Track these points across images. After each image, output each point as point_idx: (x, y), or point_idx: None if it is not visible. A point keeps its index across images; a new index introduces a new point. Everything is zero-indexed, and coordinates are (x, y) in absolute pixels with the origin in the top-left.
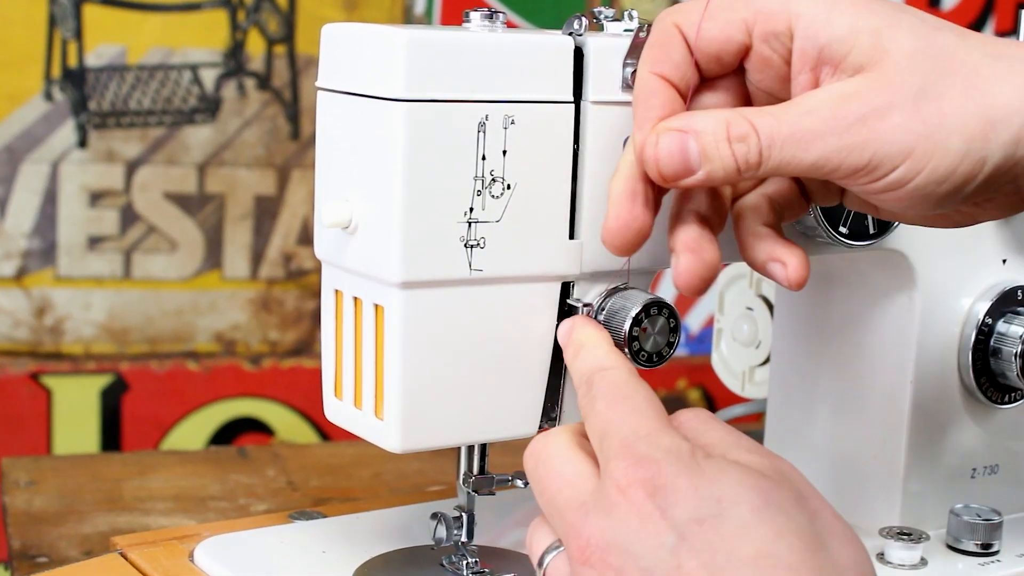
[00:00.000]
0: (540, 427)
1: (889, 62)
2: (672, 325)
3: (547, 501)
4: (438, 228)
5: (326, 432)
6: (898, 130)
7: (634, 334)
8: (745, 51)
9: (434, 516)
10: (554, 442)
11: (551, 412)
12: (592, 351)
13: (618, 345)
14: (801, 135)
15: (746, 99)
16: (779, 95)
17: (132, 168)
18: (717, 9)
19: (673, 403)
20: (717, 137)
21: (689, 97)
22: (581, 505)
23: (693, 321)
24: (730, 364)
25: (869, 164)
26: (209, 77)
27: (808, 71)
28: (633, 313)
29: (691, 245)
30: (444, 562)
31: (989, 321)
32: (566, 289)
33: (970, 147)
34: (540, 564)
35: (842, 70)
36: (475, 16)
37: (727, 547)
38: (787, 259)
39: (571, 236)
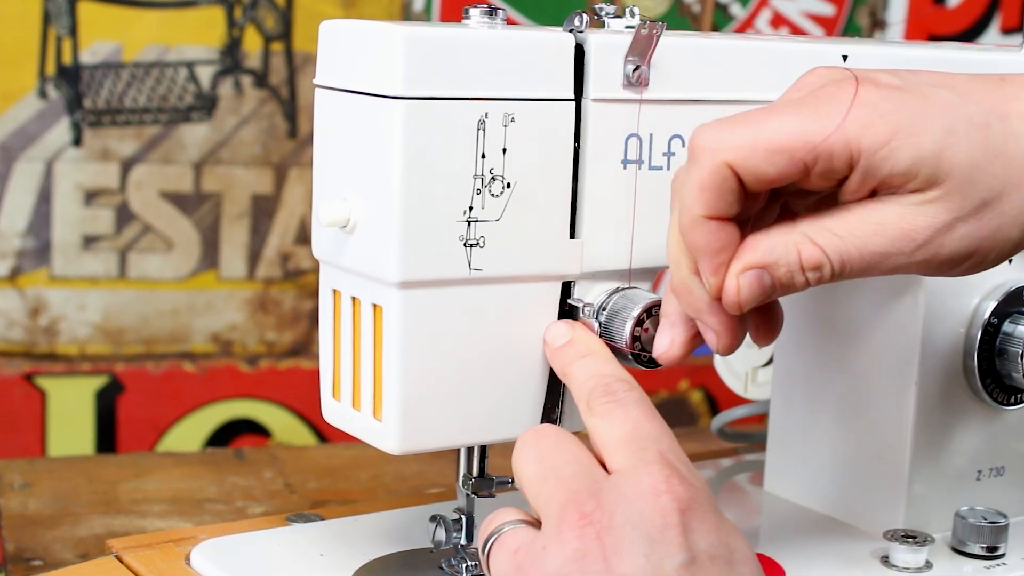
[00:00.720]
0: None
1: (952, 183)
2: None
3: (549, 468)
4: (437, 227)
5: (324, 434)
6: (964, 239)
7: (636, 335)
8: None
9: (433, 519)
10: (565, 432)
11: (551, 413)
12: (609, 362)
13: (620, 351)
14: (871, 258)
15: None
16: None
17: (127, 167)
18: (769, 152)
19: (675, 404)
20: (791, 268)
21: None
22: (594, 482)
23: None
24: (732, 365)
25: (936, 270)
26: (205, 75)
27: (865, 192)
28: (635, 313)
29: (726, 324)
30: (443, 565)
31: (995, 321)
32: (567, 289)
33: None
34: (493, 535)
35: (904, 191)
36: (475, 13)
37: None
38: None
39: (572, 235)
